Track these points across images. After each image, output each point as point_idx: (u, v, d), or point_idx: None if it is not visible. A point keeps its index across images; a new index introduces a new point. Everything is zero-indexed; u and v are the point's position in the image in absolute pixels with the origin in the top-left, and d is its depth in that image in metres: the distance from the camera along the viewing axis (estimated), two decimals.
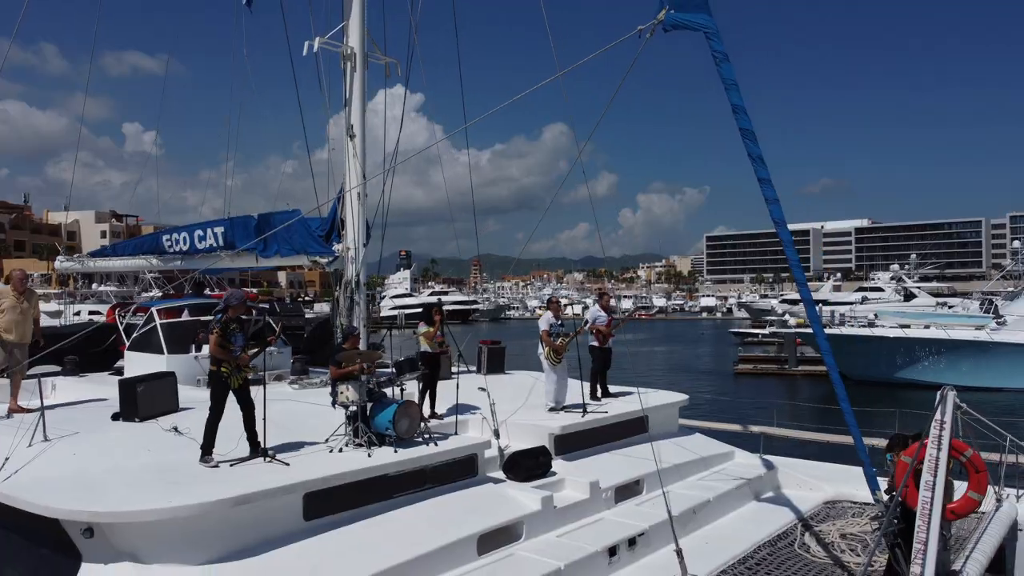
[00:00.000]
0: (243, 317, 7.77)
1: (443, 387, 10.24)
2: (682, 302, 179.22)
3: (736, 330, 71.90)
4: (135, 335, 11.89)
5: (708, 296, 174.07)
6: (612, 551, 7.84)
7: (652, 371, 48.01)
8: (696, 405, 30.85)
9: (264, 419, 7.41)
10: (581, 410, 10.22)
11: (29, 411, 8.77)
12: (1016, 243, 61.78)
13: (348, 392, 7.83)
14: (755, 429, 13.03)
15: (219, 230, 12.24)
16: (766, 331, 56.62)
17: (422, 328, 9.92)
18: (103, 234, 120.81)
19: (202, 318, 12.28)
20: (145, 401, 8.26)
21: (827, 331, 38.96)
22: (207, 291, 16.03)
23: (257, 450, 7.41)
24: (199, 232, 12.68)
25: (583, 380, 11.02)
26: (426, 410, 9.69)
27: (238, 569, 6.00)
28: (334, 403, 8.02)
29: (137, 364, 11.54)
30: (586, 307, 10.62)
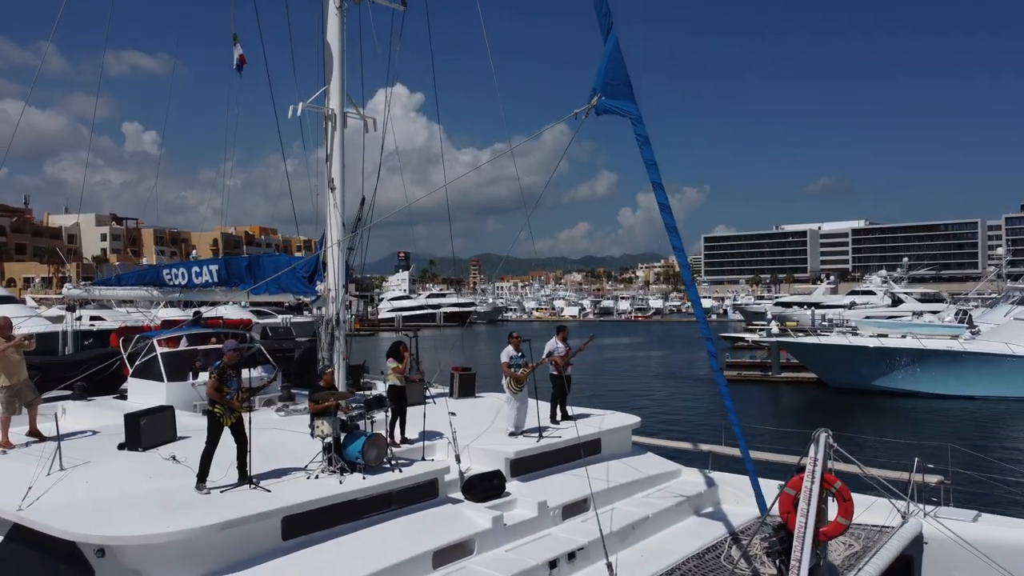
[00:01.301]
0: (218, 346, 8.99)
1: (418, 412, 11.47)
2: (679, 303, 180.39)
3: (727, 334, 72.94)
4: (137, 363, 13.07)
5: (705, 297, 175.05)
6: (553, 564, 9.03)
7: (638, 378, 49.26)
8: (672, 414, 32.00)
9: (248, 450, 8.60)
10: (537, 435, 11.39)
11: (45, 439, 9.97)
12: (1000, 249, 63.01)
13: (323, 426, 9.03)
14: (704, 447, 14.19)
15: (214, 268, 13.41)
16: (753, 337, 57.79)
17: (391, 364, 11.07)
18: (103, 237, 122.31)
19: (199, 347, 13.50)
20: (147, 433, 9.45)
21: (806, 340, 40.22)
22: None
23: (244, 478, 8.61)
24: (196, 268, 13.85)
25: (541, 403, 12.26)
26: (397, 436, 10.93)
27: None
28: (312, 434, 9.21)
29: (139, 390, 12.76)
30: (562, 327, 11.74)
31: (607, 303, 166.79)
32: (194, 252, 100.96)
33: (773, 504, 7.35)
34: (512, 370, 11.56)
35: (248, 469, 8.67)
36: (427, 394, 12.61)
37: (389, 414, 10.38)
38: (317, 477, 8.90)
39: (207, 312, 16.01)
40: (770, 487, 12.43)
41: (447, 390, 14.36)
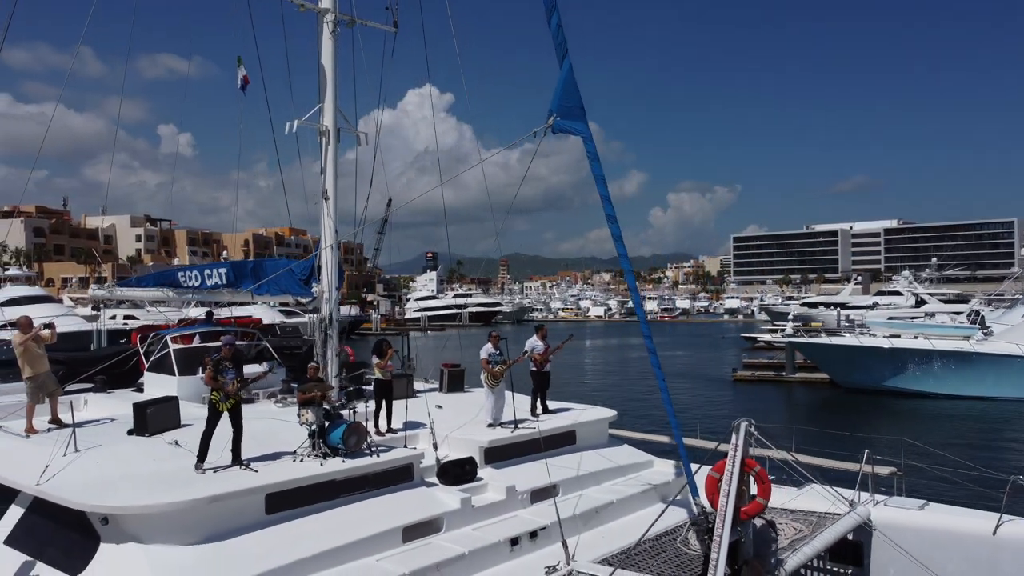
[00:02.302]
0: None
1: (409, 404, 12.48)
2: (707, 304, 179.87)
3: (747, 335, 73.04)
4: (152, 359, 14.22)
5: (733, 298, 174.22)
6: (515, 541, 9.95)
7: (645, 375, 49.77)
8: (681, 412, 32.56)
9: (241, 435, 9.64)
10: (513, 426, 12.31)
11: (66, 425, 11.11)
12: None
13: (307, 415, 10.04)
14: (791, 456, 14.90)
15: (223, 270, 14.52)
16: (766, 337, 58.14)
17: (375, 360, 12.05)
18: (138, 238, 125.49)
19: (209, 344, 14.62)
20: (153, 420, 10.53)
21: (817, 341, 40.60)
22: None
23: (236, 460, 9.64)
24: (207, 271, 14.97)
25: (522, 397, 13.18)
26: (382, 425, 11.92)
27: (213, 548, 8.22)
28: (299, 422, 10.22)
29: (154, 383, 13.89)
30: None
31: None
32: (224, 253, 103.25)
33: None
34: (490, 366, 12.47)
35: (240, 452, 9.69)
36: (415, 389, 13.60)
37: (371, 405, 11.35)
38: (302, 460, 9.89)
39: (223, 312, 17.14)
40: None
41: (437, 385, 15.30)
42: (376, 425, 11.85)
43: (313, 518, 9.18)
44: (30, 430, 10.95)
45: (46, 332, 11.51)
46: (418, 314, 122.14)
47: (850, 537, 11.56)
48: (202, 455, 9.48)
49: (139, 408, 10.62)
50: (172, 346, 13.99)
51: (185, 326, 15.84)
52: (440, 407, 13.55)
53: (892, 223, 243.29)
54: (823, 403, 38.23)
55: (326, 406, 10.38)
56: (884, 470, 12.10)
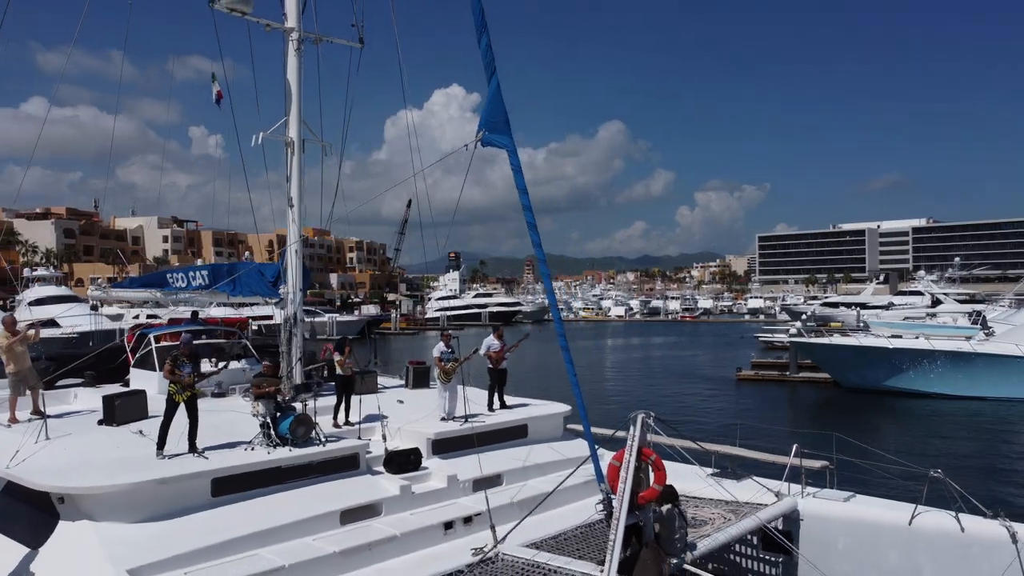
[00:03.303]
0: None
1: (373, 399, 13.30)
2: (730, 303, 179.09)
3: (757, 335, 72.97)
4: (137, 355, 15.19)
5: (756, 297, 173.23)
6: (448, 525, 10.71)
7: (650, 375, 50.39)
8: (676, 410, 33.11)
9: (189, 424, 10.49)
10: (464, 419, 13.07)
11: (45, 416, 12.06)
12: None
13: (259, 407, 10.89)
14: (699, 445, 15.56)
15: (205, 272, 15.45)
16: (768, 337, 58.27)
17: (336, 357, 12.86)
18: (165, 239, 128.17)
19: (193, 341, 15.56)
20: (121, 411, 11.46)
21: (817, 341, 40.80)
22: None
23: (192, 448, 10.50)
24: (192, 273, 15.92)
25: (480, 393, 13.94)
26: (341, 418, 12.74)
27: (159, 526, 9.08)
28: (252, 414, 11.08)
29: (139, 379, 14.85)
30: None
31: (657, 303, 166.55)
32: (247, 254, 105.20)
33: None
34: (442, 363, 13.24)
35: (195, 440, 10.55)
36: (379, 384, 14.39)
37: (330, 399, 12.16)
38: (253, 449, 10.73)
39: (204, 312, 18.07)
40: (686, 469, 13.91)
41: (403, 381, 16.10)
42: (335, 418, 12.69)
43: (257, 501, 10.01)
44: (12, 420, 11.92)
45: (30, 332, 12.50)
46: (438, 314, 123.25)
47: (780, 527, 12.20)
48: (161, 442, 10.36)
49: (108, 400, 11.56)
50: (155, 344, 14.95)
51: (170, 325, 16.81)
52: (401, 402, 14.38)
53: (921, 222, 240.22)
54: (823, 403, 38.47)
55: (280, 399, 11.23)
56: (816, 463, 12.67)
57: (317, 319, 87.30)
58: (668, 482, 12.82)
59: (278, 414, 11.06)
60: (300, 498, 10.30)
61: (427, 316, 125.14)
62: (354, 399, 13.07)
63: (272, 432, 10.90)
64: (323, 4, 13.60)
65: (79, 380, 15.34)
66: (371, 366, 15.63)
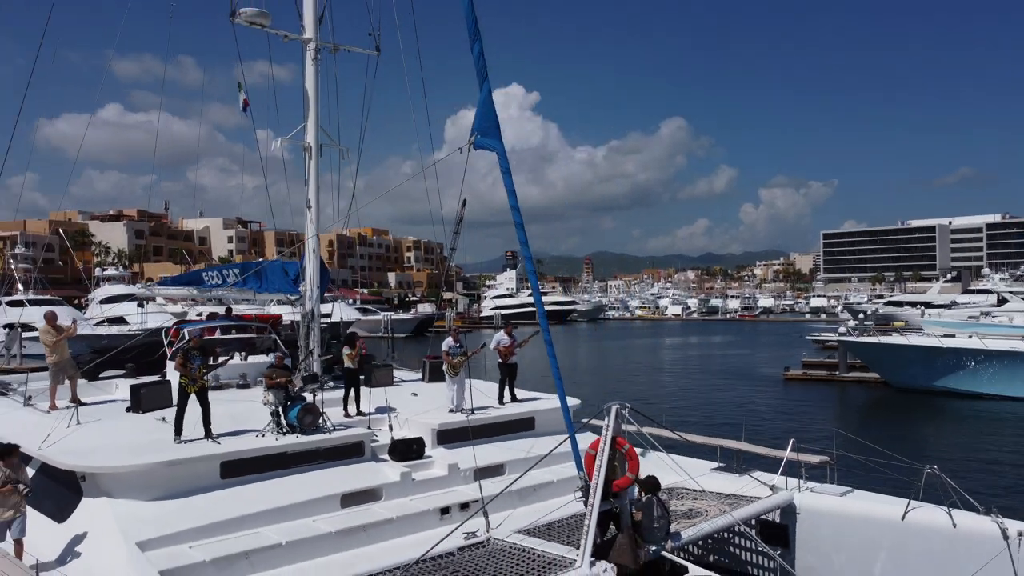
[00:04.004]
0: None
1: (389, 392, 13.93)
2: (792, 302, 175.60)
3: (809, 335, 71.43)
4: (173, 349, 16.13)
5: (819, 296, 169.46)
6: (445, 511, 11.25)
7: (696, 373, 50.12)
8: (715, 409, 32.95)
9: (202, 412, 11.25)
10: (470, 411, 13.59)
11: (82, 403, 13.04)
12: None
13: (269, 397, 11.61)
14: (645, 430, 15.87)
15: (236, 271, 16.33)
16: (818, 337, 57.15)
17: (345, 351, 13.52)
18: (230, 239, 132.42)
19: (221, 336, 16.47)
20: (147, 400, 12.33)
21: (866, 340, 40.07)
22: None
23: (207, 433, 11.27)
24: (225, 271, 16.83)
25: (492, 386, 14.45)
26: (352, 409, 13.41)
27: (169, 504, 9.85)
28: (263, 403, 11.81)
29: (173, 371, 15.79)
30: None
31: (716, 302, 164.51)
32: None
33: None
34: (450, 358, 13.78)
35: (209, 427, 11.32)
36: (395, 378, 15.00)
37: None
38: (263, 435, 11.46)
39: (235, 310, 19.02)
40: (686, 463, 14.14)
41: (420, 375, 16.70)
42: (345, 408, 13.37)
43: (263, 484, 10.72)
44: (52, 407, 12.92)
45: (69, 327, 13.53)
46: (493, 312, 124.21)
47: (777, 520, 12.39)
48: (178, 429, 11.16)
49: (134, 389, 12.46)
50: (188, 338, 15.87)
51: (208, 320, 17.78)
52: (415, 394, 14.98)
53: (995, 218, 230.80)
54: (871, 403, 37.73)
55: (290, 390, 11.93)
56: (815, 458, 12.78)
57: (372, 317, 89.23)
58: (676, 475, 13.20)
59: (288, 403, 11.75)
60: (305, 482, 10.97)
61: (482, 314, 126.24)
62: (370, 391, 13.74)
63: (282, 420, 11.60)
64: (347, 13, 14.18)
65: (121, 372, 16.38)
66: (388, 360, 16.25)
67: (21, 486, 9.33)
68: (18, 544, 9.22)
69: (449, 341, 13.97)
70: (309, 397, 12.23)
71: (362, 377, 14.35)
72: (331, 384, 14.45)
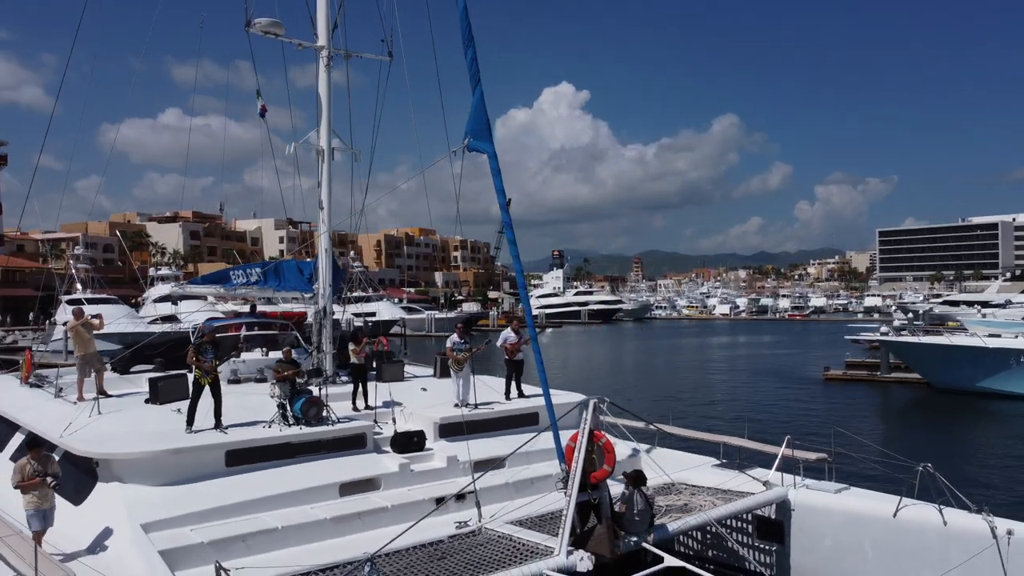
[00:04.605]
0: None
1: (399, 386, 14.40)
2: (845, 302, 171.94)
3: (852, 336, 69.99)
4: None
5: (874, 295, 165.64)
6: (439, 500, 11.64)
7: (734, 373, 49.76)
8: (745, 409, 32.77)
9: (214, 403, 11.85)
10: (473, 406, 13.98)
11: (108, 395, 13.79)
12: None
13: (275, 390, 12.18)
14: (654, 426, 16.07)
15: (258, 270, 17.01)
16: (860, 336, 55.93)
17: (351, 347, 14.04)
18: (281, 239, 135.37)
19: (244, 333, 17.18)
20: (164, 391, 13.01)
21: (907, 340, 39.32)
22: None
23: (217, 424, 11.88)
24: (248, 271, 17.54)
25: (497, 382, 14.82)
26: (360, 403, 13.92)
27: (175, 489, 10.45)
28: (270, 395, 12.37)
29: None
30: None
31: (766, 301, 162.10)
32: (351, 253, 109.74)
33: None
34: (455, 353, 14.19)
35: (220, 418, 11.92)
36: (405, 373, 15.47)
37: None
38: (270, 426, 12.02)
39: (260, 307, 19.73)
40: (688, 459, 14.32)
41: (432, 371, 17.14)
42: (354, 402, 13.89)
43: (267, 472, 11.27)
44: (80, 398, 13.71)
45: (94, 320, 14.32)
46: (537, 311, 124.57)
47: (773, 516, 12.51)
48: (190, 420, 11.78)
49: (152, 382, 13.16)
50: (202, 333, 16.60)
51: (231, 317, 18.52)
52: (425, 389, 15.43)
53: None
54: (911, 404, 37.07)
55: (297, 383, 12.50)
56: (812, 455, 12.84)
57: (417, 315, 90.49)
58: (675, 471, 13.41)
59: (294, 396, 12.30)
60: (306, 471, 11.50)
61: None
62: (381, 385, 14.25)
63: (288, 412, 12.16)
64: (361, 19, 14.69)
65: (150, 366, 17.20)
66: (400, 357, 16.75)
67: (49, 478, 9.70)
68: (40, 534, 9.58)
69: (454, 337, 14.38)
70: (317, 391, 12.76)
71: (373, 372, 14.89)
72: (343, 379, 14.98)
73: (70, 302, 61.28)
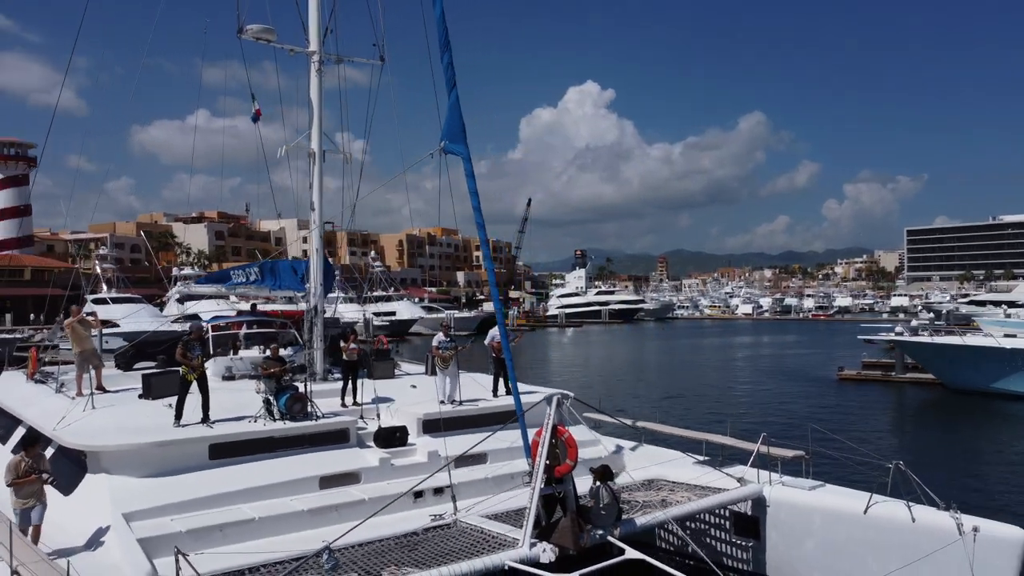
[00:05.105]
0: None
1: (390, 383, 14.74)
2: (872, 301, 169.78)
3: (869, 337, 69.16)
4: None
5: (901, 295, 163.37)
6: (418, 494, 11.95)
7: (747, 373, 49.56)
8: (753, 409, 32.69)
9: (201, 399, 12.25)
10: (458, 402, 14.27)
11: (107, 391, 14.28)
12: None
13: (261, 386, 12.56)
14: (640, 424, 16.27)
15: (255, 270, 17.47)
16: (872, 336, 55.37)
17: (342, 344, 14.40)
18: (304, 239, 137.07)
19: (242, 331, 17.63)
20: (156, 387, 13.46)
21: (919, 340, 38.98)
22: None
23: (204, 418, 12.28)
24: (248, 271, 18.00)
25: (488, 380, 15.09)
26: (349, 399, 14.27)
27: (160, 481, 10.86)
28: (256, 391, 12.76)
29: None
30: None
31: (790, 301, 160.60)
32: (372, 253, 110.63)
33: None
34: (440, 352, 14.50)
35: (208, 412, 12.32)
36: (396, 371, 15.81)
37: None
38: (255, 421, 12.40)
39: (258, 306, 20.19)
40: (669, 455, 14.49)
41: (424, 368, 17.47)
42: (343, 398, 14.25)
43: (250, 465, 11.65)
44: (79, 393, 14.21)
45: (89, 318, 14.83)
46: (558, 311, 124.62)
47: (749, 512, 12.67)
48: (178, 414, 12.20)
49: (146, 378, 13.61)
50: (211, 332, 17.07)
51: (237, 316, 19.00)
52: (415, 386, 15.76)
53: None
54: (924, 405, 36.70)
55: (283, 379, 12.88)
56: (789, 453, 12.98)
57: (436, 315, 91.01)
58: (656, 467, 13.63)
59: (278, 392, 12.67)
60: (289, 464, 11.86)
61: (547, 313, 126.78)
62: (371, 382, 14.60)
63: (273, 407, 12.53)
64: (353, 23, 15.03)
65: (153, 363, 17.71)
66: (393, 354, 17.09)
67: (45, 475, 9.96)
68: (36, 530, 9.77)
69: (440, 336, 14.69)
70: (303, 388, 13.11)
71: (364, 370, 15.24)
72: (336, 376, 15.36)
73: (95, 301, 62.65)
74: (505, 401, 14.90)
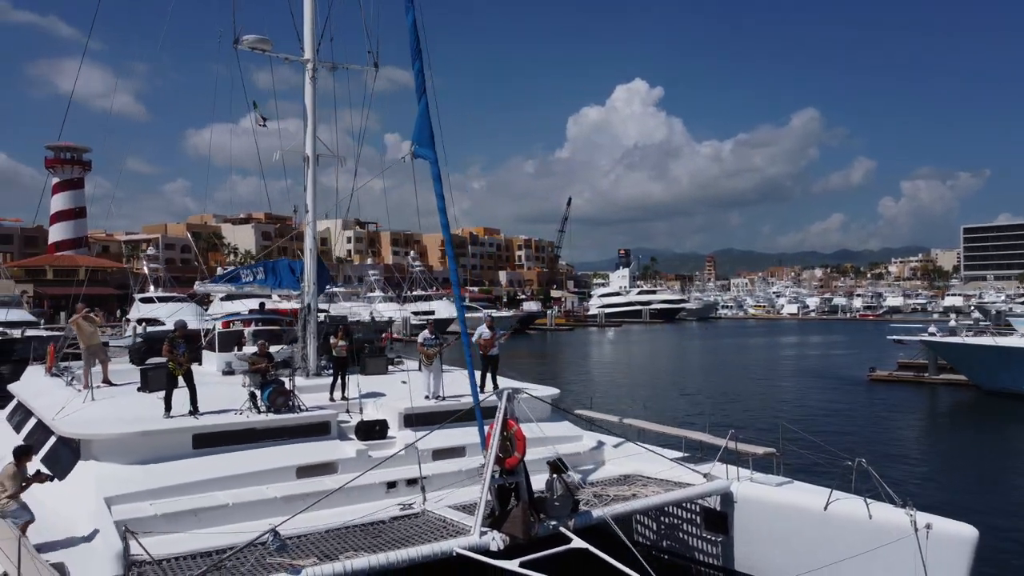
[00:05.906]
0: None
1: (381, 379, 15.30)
2: (924, 301, 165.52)
3: (899, 338, 67.53)
4: (207, 338, 18.18)
5: (955, 295, 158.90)
6: (391, 484, 12.45)
7: (777, 373, 49.08)
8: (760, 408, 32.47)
9: (189, 392, 12.94)
10: (440, 398, 14.74)
11: (113, 384, 15.11)
12: None
13: (246, 380, 13.20)
14: (627, 421, 16.53)
15: (260, 269, 18.21)
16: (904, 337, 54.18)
17: (332, 340, 14.98)
18: (348, 239, 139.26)
19: (245, 329, 18.39)
20: (152, 380, 14.22)
21: (951, 340, 38.23)
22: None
23: (192, 410, 12.97)
24: (254, 270, 18.76)
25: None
26: (337, 394, 14.86)
27: (144, 468, 11.55)
28: (242, 385, 13.42)
29: (207, 359, 17.80)
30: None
31: (839, 300, 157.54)
32: (411, 252, 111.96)
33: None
34: (425, 348, 14.99)
35: (196, 405, 13.01)
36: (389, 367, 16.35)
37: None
38: (240, 413, 13.05)
39: (274, 303, 20.94)
40: (647, 452, 14.71)
41: (416, 365, 17.96)
42: (331, 393, 14.84)
43: (231, 455, 12.28)
44: (85, 386, 15.08)
45: (93, 314, 15.71)
46: (598, 310, 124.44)
47: (718, 507, 12.89)
48: (167, 407, 12.91)
49: (143, 372, 14.39)
50: (218, 329, 17.88)
51: (249, 313, 19.82)
52: (405, 383, 16.27)
53: None
54: (954, 406, 35.97)
55: (268, 374, 13.52)
56: (760, 450, 13.14)
57: (475, 314, 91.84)
58: (634, 463, 13.92)
59: (263, 386, 13.31)
60: (269, 455, 12.47)
61: (588, 312, 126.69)
62: (362, 378, 15.17)
63: (258, 400, 13.17)
64: (348, 31, 15.65)
65: (164, 359, 18.57)
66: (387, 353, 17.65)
67: (43, 477, 10.37)
68: (26, 525, 9.88)
69: (425, 334, 15.18)
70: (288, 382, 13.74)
71: (357, 366, 15.83)
72: (329, 371, 15.96)
73: (143, 300, 64.88)
74: (489, 397, 15.29)
